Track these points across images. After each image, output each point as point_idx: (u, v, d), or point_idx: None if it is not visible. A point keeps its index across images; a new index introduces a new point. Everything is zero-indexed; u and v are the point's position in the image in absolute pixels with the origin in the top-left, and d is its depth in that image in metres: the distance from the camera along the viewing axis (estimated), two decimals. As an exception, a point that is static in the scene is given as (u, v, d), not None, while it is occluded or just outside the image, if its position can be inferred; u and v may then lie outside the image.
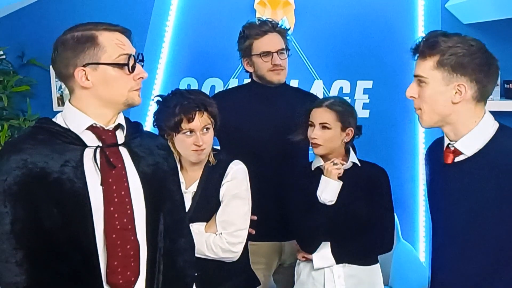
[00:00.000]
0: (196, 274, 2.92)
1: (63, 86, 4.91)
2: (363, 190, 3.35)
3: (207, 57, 5.03)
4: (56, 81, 4.96)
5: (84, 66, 2.26)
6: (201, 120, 3.06)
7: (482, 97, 2.50)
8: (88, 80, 2.27)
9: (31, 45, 4.94)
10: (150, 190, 2.39)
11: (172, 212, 2.51)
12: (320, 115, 3.37)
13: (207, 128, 3.08)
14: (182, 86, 5.00)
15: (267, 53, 3.64)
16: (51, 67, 4.77)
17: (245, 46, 3.71)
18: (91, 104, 2.31)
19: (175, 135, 3.09)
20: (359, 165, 3.43)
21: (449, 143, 2.57)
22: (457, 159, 2.55)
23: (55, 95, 5.01)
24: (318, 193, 3.29)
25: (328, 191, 3.28)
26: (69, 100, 2.37)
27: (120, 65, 2.29)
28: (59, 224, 2.21)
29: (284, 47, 3.67)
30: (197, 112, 3.05)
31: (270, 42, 3.65)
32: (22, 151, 2.22)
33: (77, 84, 2.29)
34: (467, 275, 2.53)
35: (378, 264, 3.49)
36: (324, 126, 3.34)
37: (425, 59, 2.49)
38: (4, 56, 4.82)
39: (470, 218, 2.49)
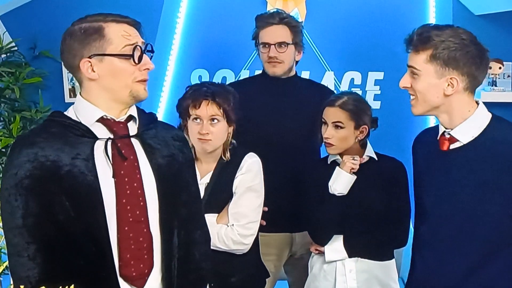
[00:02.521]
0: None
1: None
2: (379, 184, 3.34)
3: (218, 49, 5.03)
4: (68, 72, 4.96)
5: (90, 57, 2.25)
6: (208, 108, 3.07)
7: (472, 88, 2.58)
8: (94, 71, 2.27)
9: (43, 37, 4.94)
10: (164, 182, 2.38)
11: (187, 204, 2.50)
12: (333, 114, 3.36)
13: (216, 119, 3.09)
14: (194, 77, 5.01)
15: (265, 45, 3.67)
16: (62, 58, 4.81)
17: (254, 36, 3.78)
18: (100, 96, 2.31)
19: (188, 121, 3.12)
20: (376, 158, 3.41)
21: (444, 131, 2.64)
22: (452, 146, 2.62)
23: (67, 86, 5.02)
24: (330, 183, 3.29)
25: (339, 182, 3.27)
26: (80, 93, 2.36)
27: (125, 56, 2.27)
28: (71, 217, 2.21)
29: (286, 40, 3.67)
30: (204, 100, 3.07)
31: (270, 34, 3.67)
32: (34, 144, 2.22)
33: (84, 75, 2.29)
34: (461, 260, 2.59)
35: (393, 260, 3.47)
36: (337, 126, 3.33)
37: (418, 53, 2.56)
38: (16, 48, 4.83)
39: (465, 203, 2.56)
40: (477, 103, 2.62)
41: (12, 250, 2.22)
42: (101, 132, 2.31)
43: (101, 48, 2.25)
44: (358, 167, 3.29)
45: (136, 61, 2.29)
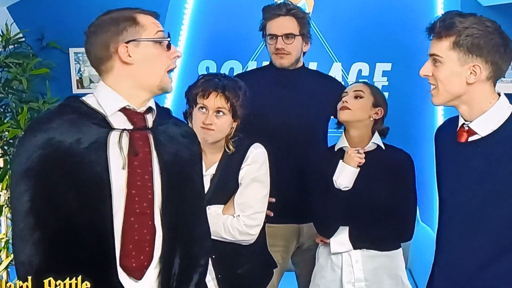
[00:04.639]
0: (213, 256, 2.94)
1: (82, 69, 4.95)
2: (385, 175, 3.33)
3: (225, 40, 5.04)
4: (75, 63, 4.98)
5: (126, 43, 2.28)
6: (216, 100, 3.06)
7: (496, 78, 2.54)
8: (130, 56, 2.28)
9: (50, 28, 4.95)
10: (168, 178, 2.38)
11: (190, 201, 2.50)
12: (356, 86, 3.46)
13: (222, 112, 3.08)
14: (201, 68, 5.02)
15: (273, 36, 3.67)
16: (70, 49, 4.83)
17: (261, 27, 3.77)
18: (126, 84, 2.32)
19: (194, 108, 3.13)
20: (383, 148, 3.41)
21: (463, 123, 2.60)
22: (470, 139, 2.58)
23: (74, 77, 5.03)
24: (334, 177, 3.28)
25: (344, 176, 3.27)
26: (103, 80, 2.36)
27: (161, 40, 2.33)
28: (78, 207, 2.21)
29: (293, 32, 3.67)
30: (213, 91, 3.06)
31: (277, 25, 3.67)
32: (47, 130, 2.21)
33: (117, 62, 2.30)
34: (474, 253, 2.57)
35: (400, 249, 3.46)
36: (357, 96, 3.38)
37: (441, 40, 2.52)
38: (23, 39, 4.84)
39: (481, 196, 2.54)
40: (499, 95, 2.58)
41: (16, 233, 2.22)
42: (118, 122, 2.32)
43: (137, 34, 2.29)
44: (363, 161, 3.28)
45: (167, 47, 2.34)
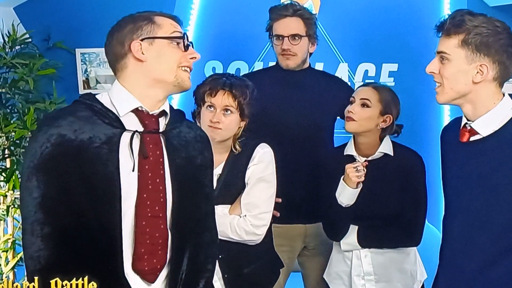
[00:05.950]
0: (220, 256, 2.94)
1: (89, 69, 4.95)
2: (394, 183, 3.31)
3: (232, 40, 5.03)
4: (81, 64, 4.99)
5: (141, 40, 2.30)
6: (223, 98, 3.07)
7: (502, 78, 2.53)
8: (144, 54, 2.29)
9: (57, 28, 4.95)
10: (179, 183, 2.39)
11: (200, 206, 2.51)
12: (363, 92, 3.35)
13: (230, 111, 3.09)
14: (207, 69, 5.02)
15: (279, 37, 3.67)
16: (77, 50, 4.84)
17: (267, 28, 3.77)
18: (140, 83, 2.32)
19: (202, 107, 3.13)
20: (392, 154, 3.35)
21: (466, 123, 2.59)
22: (472, 138, 2.57)
23: (80, 78, 5.03)
24: (336, 194, 3.26)
25: (344, 195, 3.24)
26: (118, 80, 2.37)
27: (175, 39, 2.34)
28: (87, 205, 2.21)
29: (299, 32, 3.67)
30: (221, 89, 3.07)
31: (284, 26, 3.67)
32: (61, 127, 2.21)
33: (131, 59, 2.31)
34: (477, 252, 2.56)
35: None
36: (363, 104, 3.30)
37: (450, 37, 2.51)
38: (30, 40, 4.84)
39: (482, 196, 2.53)
40: (504, 95, 2.57)
41: (26, 228, 2.22)
42: (130, 123, 2.31)
43: (152, 32, 2.32)
44: (363, 178, 3.21)
45: (184, 48, 2.35)
